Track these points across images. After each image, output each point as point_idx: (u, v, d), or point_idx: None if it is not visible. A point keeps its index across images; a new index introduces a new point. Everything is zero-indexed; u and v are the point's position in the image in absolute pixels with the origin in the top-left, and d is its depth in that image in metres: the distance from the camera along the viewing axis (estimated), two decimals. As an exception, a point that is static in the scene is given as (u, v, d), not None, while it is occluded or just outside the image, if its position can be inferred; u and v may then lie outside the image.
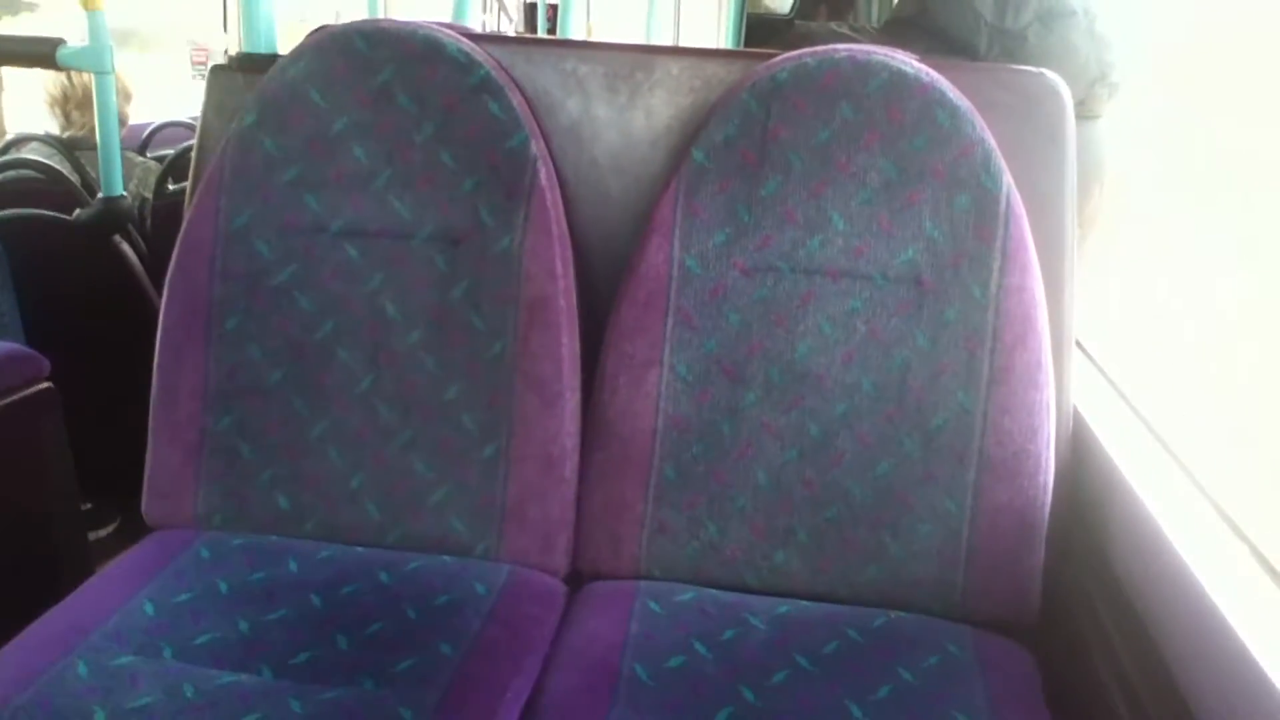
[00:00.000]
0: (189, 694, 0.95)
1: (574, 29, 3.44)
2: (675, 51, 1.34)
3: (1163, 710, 0.94)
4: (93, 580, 1.13)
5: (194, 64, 3.84)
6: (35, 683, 0.95)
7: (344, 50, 1.23)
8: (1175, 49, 1.62)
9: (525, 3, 8.05)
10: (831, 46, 1.21)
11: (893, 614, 1.15)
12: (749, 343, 1.18)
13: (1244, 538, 0.97)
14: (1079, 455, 1.22)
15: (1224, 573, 0.91)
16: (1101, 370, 1.38)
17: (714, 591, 1.18)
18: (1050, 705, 1.05)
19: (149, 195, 2.49)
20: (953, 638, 1.11)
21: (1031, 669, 1.10)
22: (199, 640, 1.03)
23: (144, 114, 3.09)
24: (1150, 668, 0.98)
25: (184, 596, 1.09)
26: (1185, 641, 0.93)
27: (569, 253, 1.23)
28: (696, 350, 1.19)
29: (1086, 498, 1.20)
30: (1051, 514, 1.16)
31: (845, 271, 1.17)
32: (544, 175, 1.21)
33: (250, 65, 1.39)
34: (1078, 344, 1.27)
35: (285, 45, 1.44)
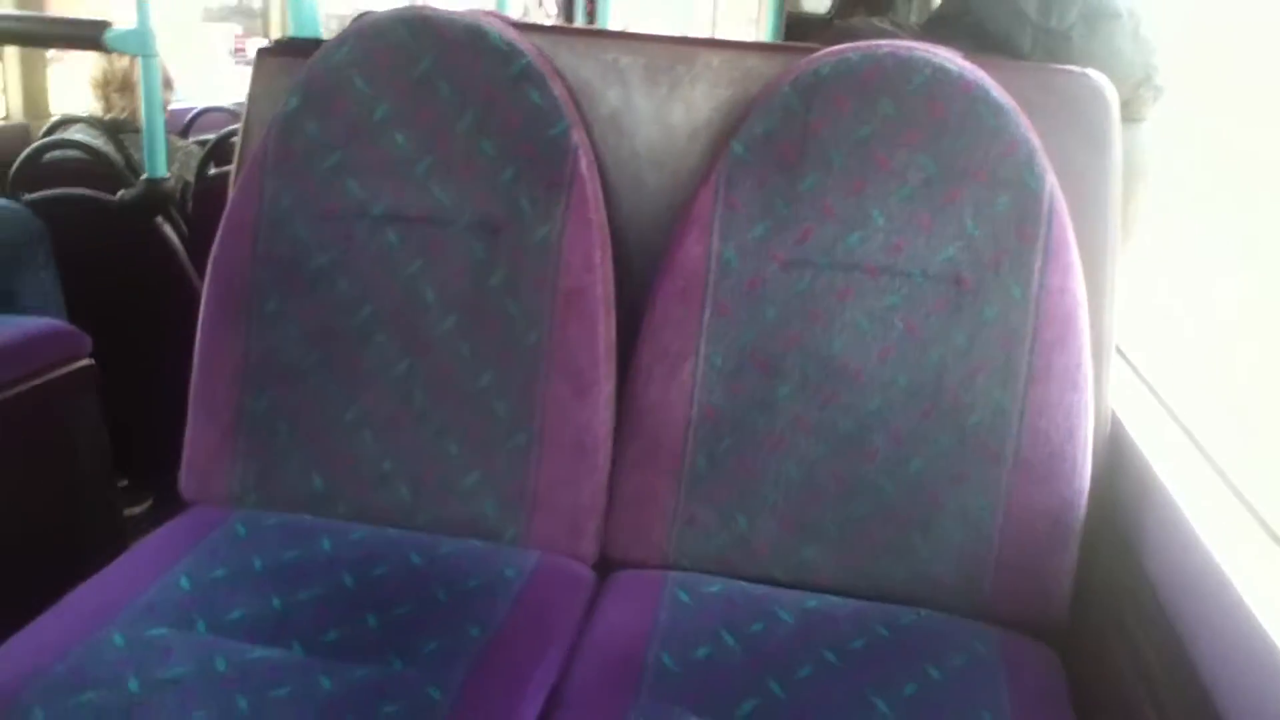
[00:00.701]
0: (221, 667, 0.96)
1: (612, 23, 3.44)
2: (716, 44, 1.33)
3: (1192, 718, 0.93)
4: (129, 553, 1.15)
5: (236, 51, 3.89)
6: (72, 652, 0.97)
7: (387, 37, 1.24)
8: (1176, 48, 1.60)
9: (563, -4, 8.05)
10: (874, 43, 1.20)
11: (921, 612, 1.14)
12: (785, 336, 1.18)
13: None
14: (1115, 459, 1.21)
15: (1260, 580, 0.90)
16: (1141, 375, 1.37)
17: (742, 583, 1.18)
18: (1077, 709, 1.04)
19: (190, 178, 2.52)
20: (980, 638, 1.11)
21: (1059, 672, 1.09)
22: (232, 615, 1.04)
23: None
24: (1180, 675, 0.97)
25: (219, 572, 1.10)
26: (1218, 649, 0.92)
27: (607, 243, 1.23)
28: (732, 343, 1.19)
29: (1121, 502, 1.19)
30: (1085, 517, 1.15)
31: (884, 268, 1.17)
32: (584, 165, 1.21)
33: (295, 50, 1.40)
34: (1118, 350, 1.26)
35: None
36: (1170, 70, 1.54)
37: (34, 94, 2.87)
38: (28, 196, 2.11)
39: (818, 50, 1.24)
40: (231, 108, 3.32)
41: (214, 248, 1.26)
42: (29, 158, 2.23)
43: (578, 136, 1.22)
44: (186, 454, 1.26)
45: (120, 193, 2.14)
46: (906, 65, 1.17)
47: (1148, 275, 1.52)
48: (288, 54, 1.41)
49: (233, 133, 2.54)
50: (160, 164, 2.13)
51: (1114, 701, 1.07)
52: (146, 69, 2.06)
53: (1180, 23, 1.58)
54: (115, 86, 2.65)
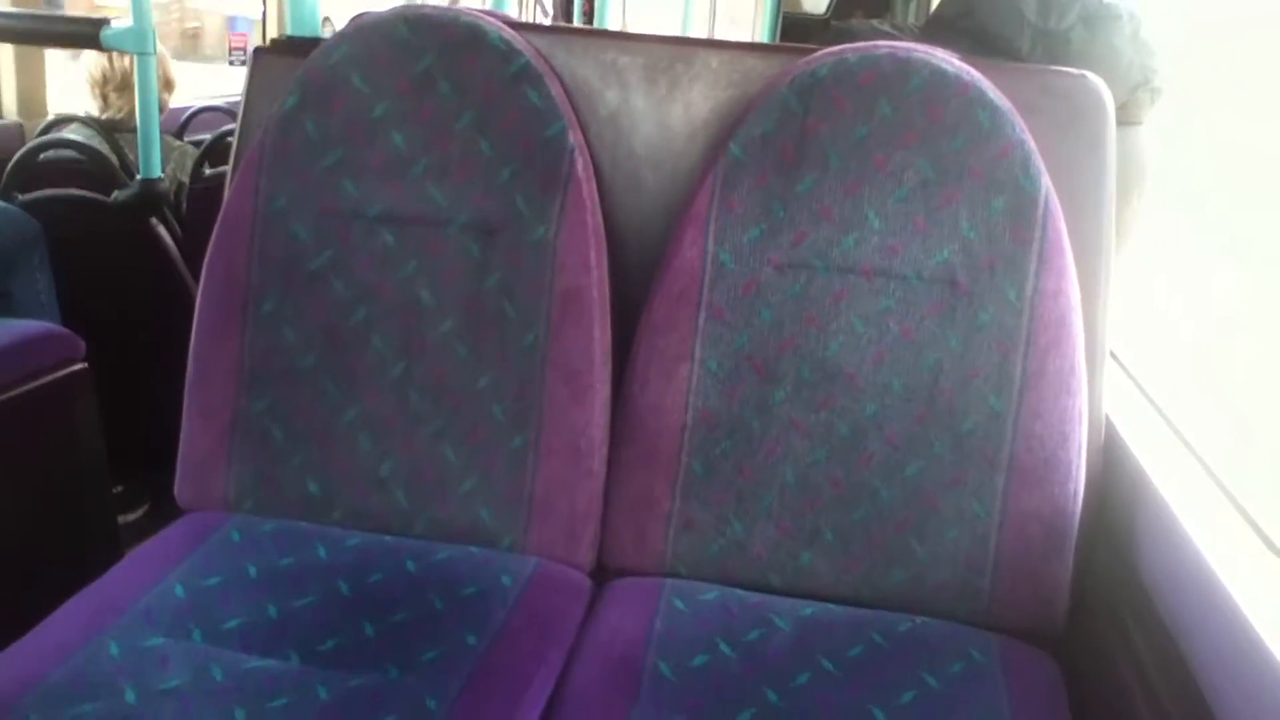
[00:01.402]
0: (218, 677, 0.96)
1: (610, 23, 3.43)
2: (715, 45, 1.33)
3: None
4: (125, 561, 1.14)
5: (231, 50, 3.88)
6: (69, 661, 0.96)
7: (386, 35, 1.23)
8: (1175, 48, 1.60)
9: (560, -4, 8.04)
10: (872, 44, 1.20)
11: (918, 619, 1.14)
12: (780, 339, 1.18)
13: (1276, 550, 0.96)
14: (1109, 463, 1.21)
15: (1254, 585, 0.90)
16: (1135, 379, 1.37)
17: (739, 591, 1.17)
18: (1075, 715, 1.04)
19: (185, 179, 2.51)
20: (978, 644, 1.11)
21: (1056, 677, 1.09)
22: (228, 624, 1.04)
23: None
24: (1177, 680, 0.97)
25: (214, 579, 1.10)
26: (1213, 654, 0.92)
27: (603, 244, 1.23)
28: (728, 346, 1.18)
29: (1116, 506, 1.19)
30: (1080, 522, 1.15)
31: (879, 270, 1.17)
32: (580, 166, 1.21)
33: (293, 48, 1.39)
34: (1112, 354, 1.26)
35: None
36: (1170, 71, 1.54)
37: (30, 92, 2.85)
38: (21, 196, 2.10)
39: (816, 51, 1.23)
40: (228, 107, 3.31)
41: (209, 248, 1.25)
42: (23, 157, 2.22)
43: (575, 137, 1.22)
44: (181, 458, 1.26)
45: (115, 193, 2.13)
46: (904, 67, 1.17)
47: (1143, 278, 1.52)
48: (285, 53, 1.40)
49: (229, 132, 2.53)
50: (155, 164, 2.12)
51: (1112, 707, 1.07)
52: (142, 67, 2.05)
53: (1182, 22, 1.58)
54: (114, 86, 2.63)
